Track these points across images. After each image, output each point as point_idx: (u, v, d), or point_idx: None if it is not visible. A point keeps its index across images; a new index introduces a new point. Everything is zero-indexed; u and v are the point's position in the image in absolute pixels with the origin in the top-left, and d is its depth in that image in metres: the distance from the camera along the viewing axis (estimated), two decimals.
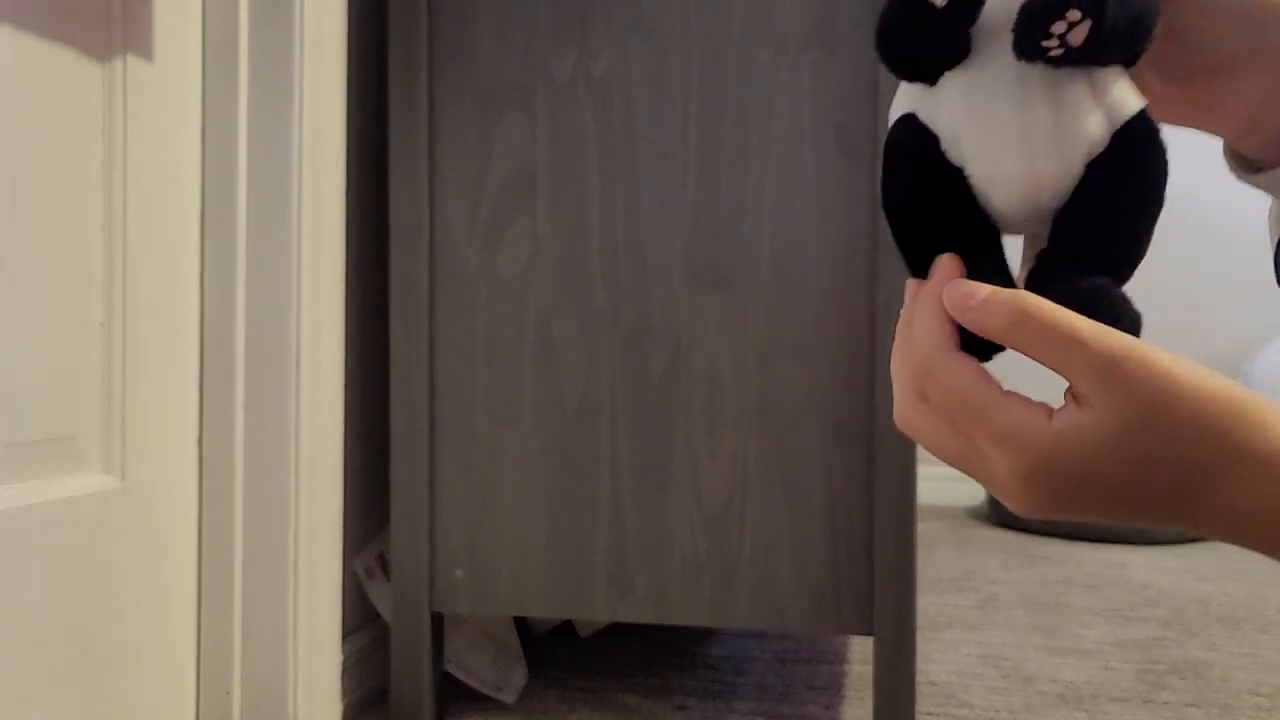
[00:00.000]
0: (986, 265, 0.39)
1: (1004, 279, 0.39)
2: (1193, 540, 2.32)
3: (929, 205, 0.39)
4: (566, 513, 1.09)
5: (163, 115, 0.95)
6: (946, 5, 0.37)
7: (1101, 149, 0.37)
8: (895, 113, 0.41)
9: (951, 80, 0.39)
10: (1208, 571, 2.02)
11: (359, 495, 1.17)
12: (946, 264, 0.39)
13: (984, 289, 0.36)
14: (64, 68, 0.85)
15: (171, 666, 0.99)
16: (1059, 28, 0.35)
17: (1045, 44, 0.36)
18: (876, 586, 1.03)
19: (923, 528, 2.52)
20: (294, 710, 1.03)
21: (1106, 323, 0.35)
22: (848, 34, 1.02)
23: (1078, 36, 0.35)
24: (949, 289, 0.37)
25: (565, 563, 1.09)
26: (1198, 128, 0.46)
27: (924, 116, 0.39)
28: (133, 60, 0.91)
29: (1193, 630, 1.58)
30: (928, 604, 1.71)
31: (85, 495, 0.87)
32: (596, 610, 1.10)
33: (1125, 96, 0.38)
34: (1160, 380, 0.33)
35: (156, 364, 0.95)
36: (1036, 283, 0.38)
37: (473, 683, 1.21)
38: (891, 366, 0.40)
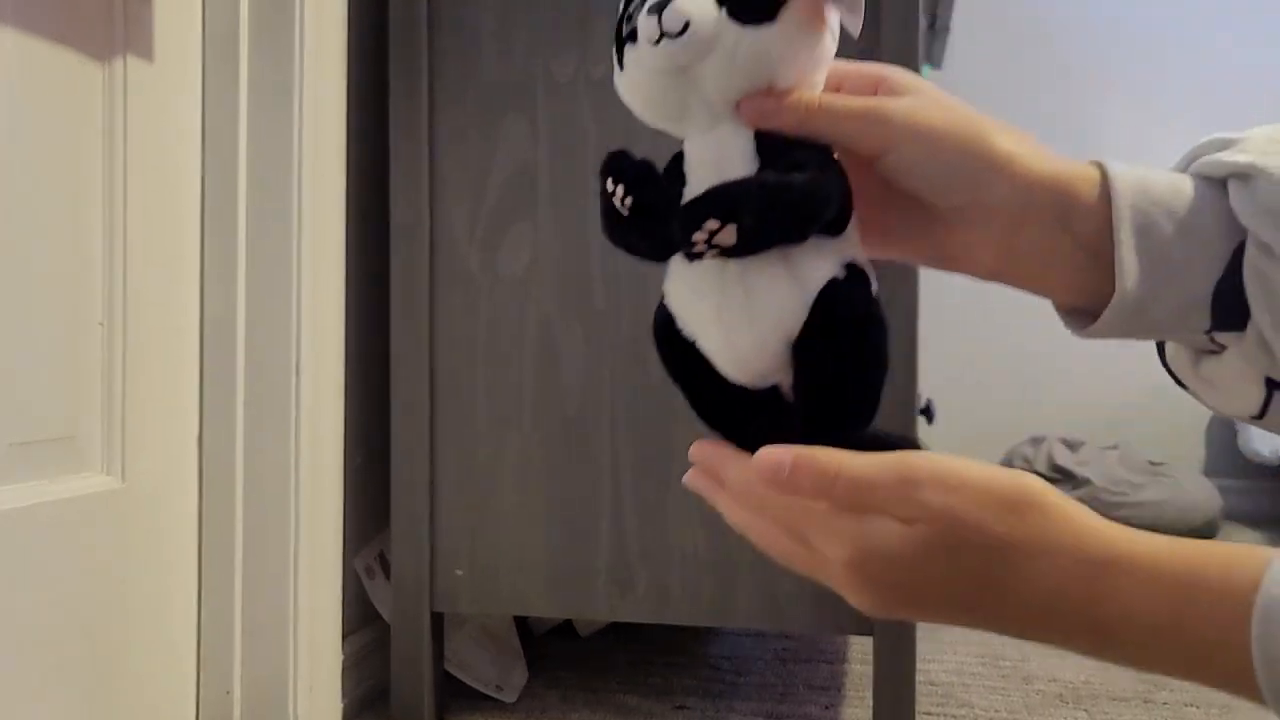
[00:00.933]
0: (749, 420, 0.43)
1: (759, 434, 0.42)
2: None
3: (683, 373, 0.44)
4: (567, 512, 1.09)
5: (163, 115, 0.95)
6: (630, 214, 0.42)
7: (802, 320, 0.40)
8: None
9: (675, 264, 0.43)
10: None
11: (359, 495, 1.17)
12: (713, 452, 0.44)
13: (788, 455, 0.38)
14: (64, 68, 0.85)
15: (172, 666, 0.99)
16: (700, 236, 0.38)
17: (698, 249, 0.39)
18: None
19: None
20: (294, 710, 1.03)
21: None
22: (847, 33, 1.02)
23: (727, 238, 0.38)
24: (756, 468, 0.39)
25: (565, 562, 1.09)
26: (960, 272, 0.48)
27: (665, 298, 0.44)
28: (133, 60, 0.91)
29: None
30: None
31: (85, 495, 0.87)
32: (597, 610, 1.10)
33: (818, 265, 0.40)
34: (951, 492, 0.36)
35: (156, 364, 0.95)
36: (804, 442, 0.41)
37: (473, 682, 1.21)
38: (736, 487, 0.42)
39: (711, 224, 0.38)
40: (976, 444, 2.39)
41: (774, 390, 0.43)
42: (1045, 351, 2.62)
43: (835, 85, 0.45)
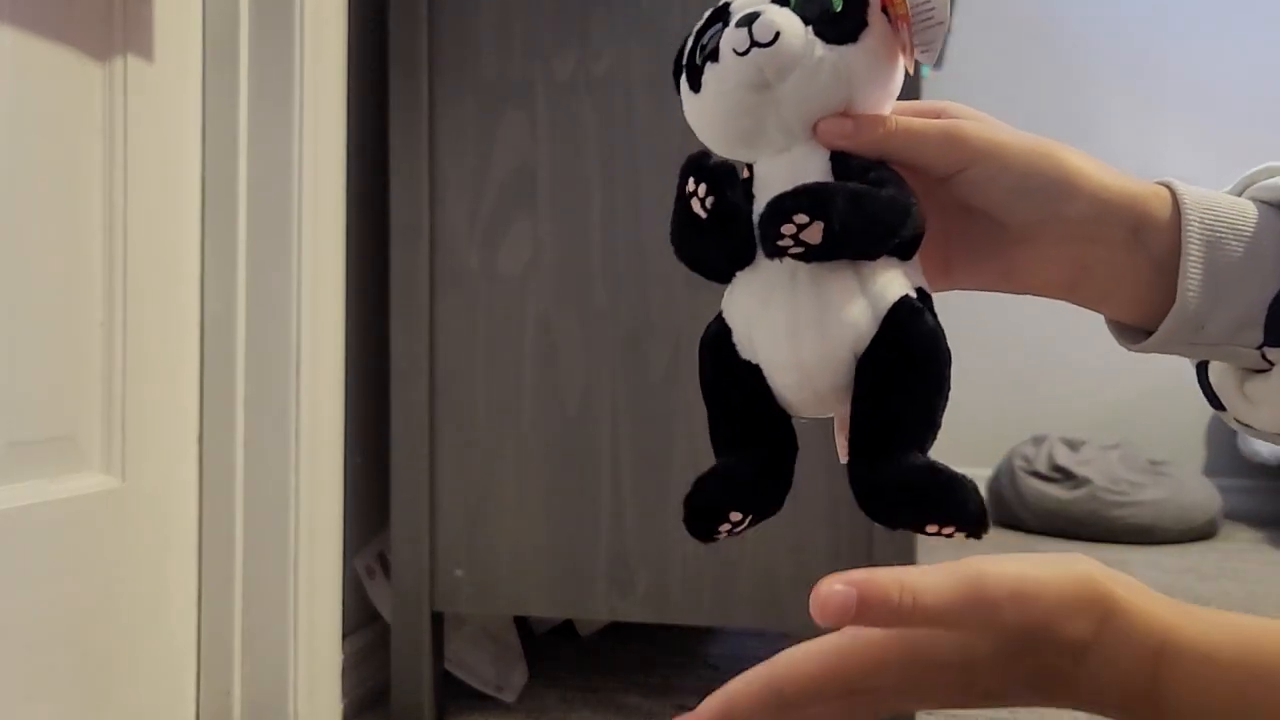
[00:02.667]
0: (771, 454, 0.43)
1: (778, 477, 0.43)
2: (1193, 540, 2.32)
3: (724, 395, 0.43)
4: (567, 512, 1.09)
5: (163, 115, 0.95)
6: (709, 216, 0.42)
7: (870, 335, 0.40)
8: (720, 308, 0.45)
9: (741, 278, 0.43)
10: (1208, 571, 2.02)
11: (359, 495, 1.17)
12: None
13: (849, 593, 0.35)
14: (64, 68, 0.85)
15: (172, 666, 0.99)
16: (789, 229, 0.38)
17: (781, 244, 0.39)
18: None
19: None
20: (294, 710, 1.03)
21: (944, 498, 0.39)
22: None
23: (812, 236, 0.38)
24: (819, 604, 0.36)
25: (565, 562, 1.09)
26: (1027, 291, 0.49)
27: (725, 314, 0.43)
28: (133, 60, 0.91)
29: None
30: None
31: (85, 495, 0.87)
32: (597, 610, 1.10)
33: (890, 283, 0.41)
34: (1023, 602, 0.36)
35: (156, 364, 0.95)
36: (857, 469, 0.41)
37: (473, 682, 1.21)
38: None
39: (801, 218, 0.38)
40: (977, 444, 2.39)
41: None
42: (1046, 351, 2.62)
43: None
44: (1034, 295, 0.49)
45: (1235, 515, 2.57)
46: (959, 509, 0.39)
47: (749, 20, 0.40)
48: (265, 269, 1.01)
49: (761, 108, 0.42)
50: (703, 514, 0.42)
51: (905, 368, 0.40)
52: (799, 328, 0.41)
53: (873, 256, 0.40)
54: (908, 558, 1.02)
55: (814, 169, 0.42)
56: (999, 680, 0.38)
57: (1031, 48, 2.81)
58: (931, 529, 0.40)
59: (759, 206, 0.41)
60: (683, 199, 0.43)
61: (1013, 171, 0.44)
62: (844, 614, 0.35)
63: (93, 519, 0.88)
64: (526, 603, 1.12)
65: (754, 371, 0.42)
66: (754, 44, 0.40)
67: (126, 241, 0.91)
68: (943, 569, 0.37)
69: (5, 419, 0.80)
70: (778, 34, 0.40)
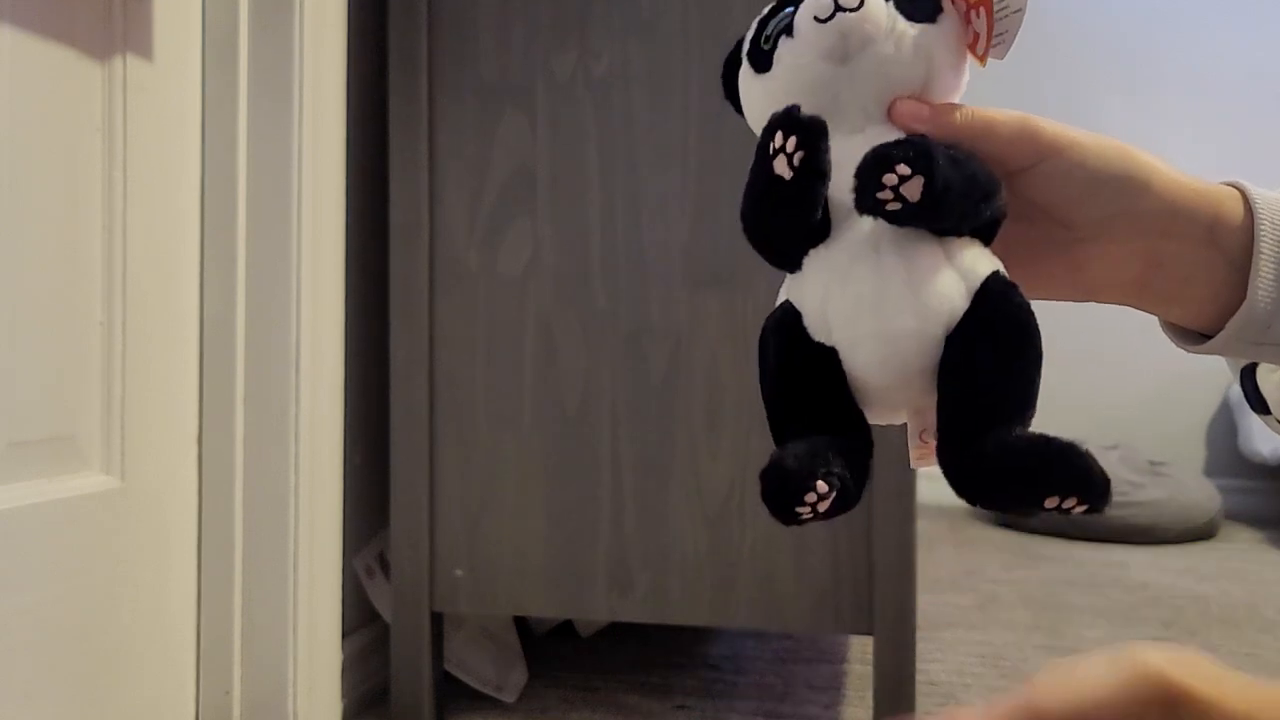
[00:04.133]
0: (840, 446, 0.39)
1: (856, 466, 0.39)
2: (1193, 540, 2.32)
3: (794, 382, 0.41)
4: (566, 512, 1.09)
5: (163, 115, 0.95)
6: (794, 176, 0.39)
7: (962, 310, 0.38)
8: (777, 302, 0.43)
9: (814, 257, 0.41)
10: (1208, 571, 2.02)
11: (359, 495, 1.17)
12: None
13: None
14: (64, 67, 0.85)
15: (171, 666, 0.99)
16: (890, 179, 0.37)
17: (880, 196, 0.37)
18: (876, 586, 1.03)
19: (922, 527, 2.51)
20: (294, 709, 1.03)
21: (1064, 468, 0.36)
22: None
23: (912, 191, 0.37)
24: None
25: (565, 562, 1.09)
26: (1091, 299, 0.48)
27: (793, 298, 0.41)
28: (132, 60, 0.91)
29: (1193, 630, 1.58)
30: (928, 604, 1.71)
31: (85, 495, 0.87)
32: (596, 610, 1.10)
33: (978, 259, 0.39)
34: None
35: (156, 363, 0.95)
36: (953, 452, 0.39)
37: (472, 682, 1.21)
38: None
39: (903, 168, 0.37)
40: None
41: (866, 430, 0.41)
42: (1046, 352, 2.61)
43: None
44: (1097, 301, 0.48)
45: (1235, 515, 2.57)
46: (1081, 478, 0.36)
47: None
48: (265, 269, 1.01)
49: (838, 83, 0.41)
50: (786, 487, 0.38)
51: (1004, 343, 0.38)
52: (886, 298, 0.39)
53: (962, 231, 0.39)
54: (907, 558, 1.02)
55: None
56: None
57: (1031, 46, 2.81)
58: (1051, 503, 0.37)
59: (837, 185, 0.40)
60: (765, 160, 0.40)
61: (1088, 166, 0.44)
62: None
63: (92, 519, 0.88)
64: (526, 603, 1.12)
65: (828, 356, 0.40)
66: (839, 8, 0.39)
67: (126, 241, 0.91)
68: (1001, 709, 0.35)
69: (5, 419, 0.80)
70: (862, 1, 0.39)
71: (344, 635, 1.12)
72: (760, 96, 0.43)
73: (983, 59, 0.42)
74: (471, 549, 1.11)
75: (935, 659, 1.41)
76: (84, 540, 0.87)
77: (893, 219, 0.38)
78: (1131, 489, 2.30)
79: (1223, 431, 2.69)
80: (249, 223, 1.01)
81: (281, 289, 1.02)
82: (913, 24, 0.40)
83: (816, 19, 0.40)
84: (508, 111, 1.10)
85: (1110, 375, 2.62)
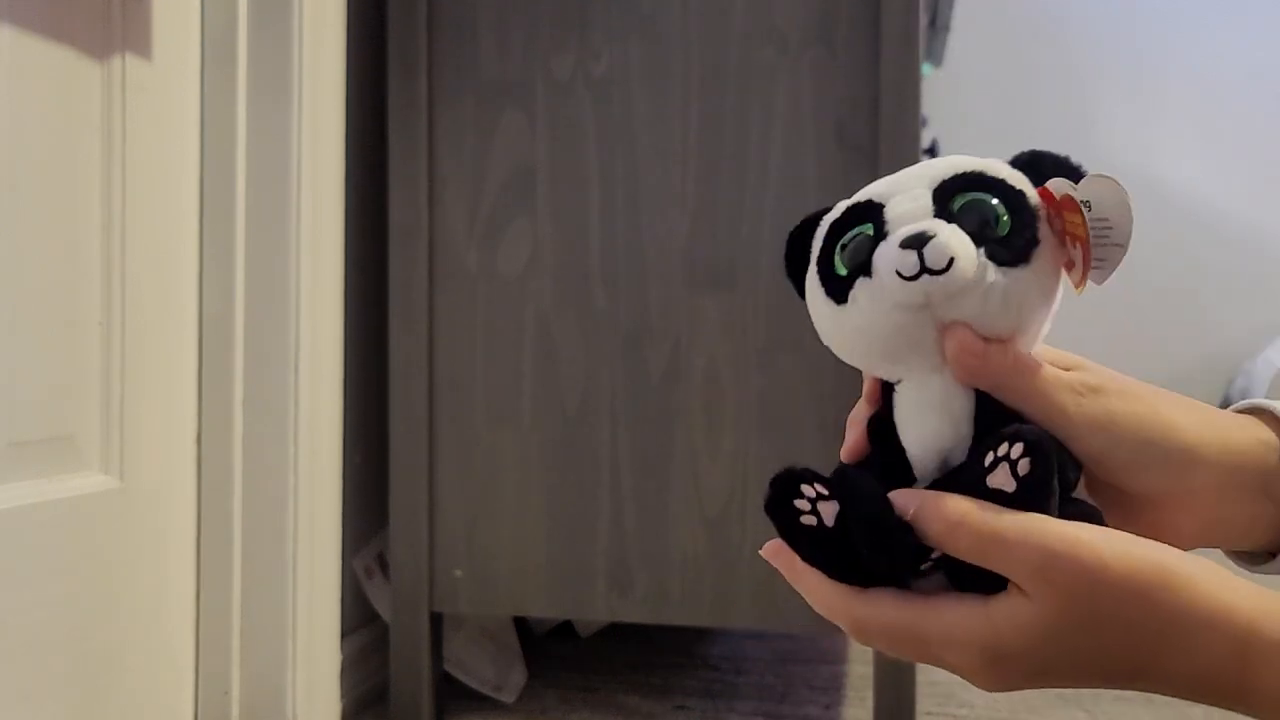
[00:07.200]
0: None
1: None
2: None
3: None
4: (566, 513, 1.09)
5: (162, 115, 0.95)
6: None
7: None
8: None
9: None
10: None
11: (358, 495, 1.17)
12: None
13: (914, 500, 0.38)
14: (63, 67, 0.85)
15: (170, 666, 0.99)
16: (1004, 450, 0.37)
17: (989, 462, 0.37)
18: None
19: None
20: (293, 710, 1.03)
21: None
22: (848, 32, 1.02)
23: (1023, 468, 0.37)
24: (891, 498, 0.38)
25: (565, 563, 1.09)
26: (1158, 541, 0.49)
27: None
28: (132, 60, 0.91)
29: None
30: None
31: (85, 495, 0.87)
32: (596, 610, 1.10)
33: None
34: (1089, 573, 0.36)
35: (156, 363, 0.95)
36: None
37: (472, 682, 1.21)
38: (821, 608, 0.41)
39: (1017, 448, 0.36)
40: None
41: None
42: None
43: None
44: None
45: None
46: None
47: (918, 242, 0.37)
48: (264, 268, 1.01)
49: (921, 325, 0.38)
50: (784, 480, 0.38)
51: None
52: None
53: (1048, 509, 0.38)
54: None
55: (965, 394, 0.39)
56: (1068, 666, 0.38)
57: (1032, 46, 2.81)
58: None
59: (912, 429, 0.39)
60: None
61: (1122, 448, 0.42)
62: (901, 512, 0.38)
63: (91, 519, 0.88)
64: (526, 603, 1.12)
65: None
66: (924, 270, 0.37)
67: (125, 241, 0.91)
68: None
69: (4, 419, 0.80)
70: (951, 260, 0.37)
71: (343, 635, 1.12)
72: (836, 327, 0.41)
73: (1079, 286, 0.39)
74: (471, 549, 1.11)
75: None
76: (83, 540, 0.87)
77: (1006, 501, 0.37)
78: None
79: None
80: (248, 222, 1.01)
81: (281, 288, 1.02)
82: (1004, 270, 0.38)
83: (900, 275, 0.37)
84: (507, 111, 1.09)
85: None
